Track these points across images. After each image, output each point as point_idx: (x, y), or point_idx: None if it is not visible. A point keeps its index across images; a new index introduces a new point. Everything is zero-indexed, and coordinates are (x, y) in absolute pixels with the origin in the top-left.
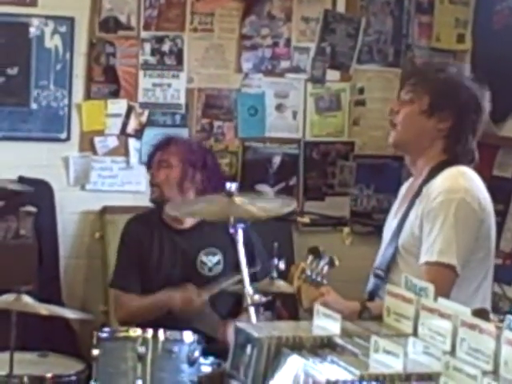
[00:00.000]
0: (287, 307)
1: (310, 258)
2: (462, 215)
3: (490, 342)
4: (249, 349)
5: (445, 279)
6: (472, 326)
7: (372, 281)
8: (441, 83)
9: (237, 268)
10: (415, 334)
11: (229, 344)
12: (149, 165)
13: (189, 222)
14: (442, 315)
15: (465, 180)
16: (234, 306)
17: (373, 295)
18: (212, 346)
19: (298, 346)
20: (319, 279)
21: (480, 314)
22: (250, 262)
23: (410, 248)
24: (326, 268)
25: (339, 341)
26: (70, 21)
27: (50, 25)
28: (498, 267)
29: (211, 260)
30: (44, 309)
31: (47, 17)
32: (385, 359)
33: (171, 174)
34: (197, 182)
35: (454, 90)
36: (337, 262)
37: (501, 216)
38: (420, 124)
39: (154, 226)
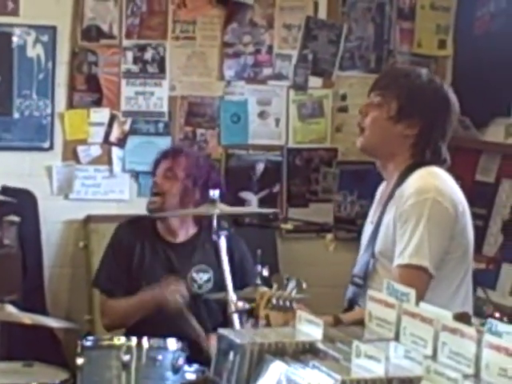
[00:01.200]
0: None
1: (274, 286)
2: (434, 215)
3: (471, 345)
4: (231, 355)
5: (417, 281)
6: (453, 331)
7: (350, 289)
8: (410, 89)
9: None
10: (397, 338)
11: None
12: (153, 172)
13: (182, 237)
14: (424, 320)
15: (435, 179)
16: (220, 317)
17: (352, 303)
18: (196, 353)
19: (280, 352)
20: (287, 304)
21: (461, 318)
22: (243, 276)
23: (387, 253)
24: (293, 292)
25: (321, 346)
26: (52, 30)
27: (32, 34)
28: (482, 272)
29: (202, 277)
30: (28, 318)
31: (29, 26)
32: (366, 364)
33: (175, 186)
34: (196, 198)
35: (423, 96)
36: (304, 285)
37: (484, 220)
38: (387, 129)
39: (146, 236)
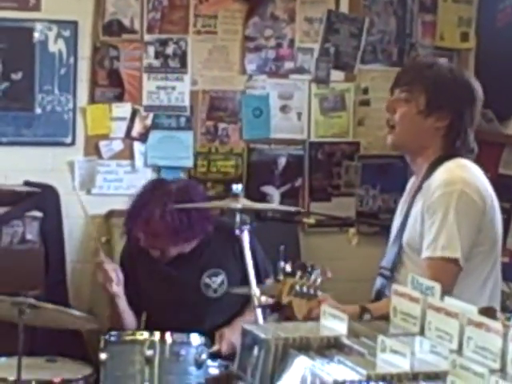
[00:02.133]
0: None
1: (298, 274)
2: (462, 207)
3: (497, 340)
4: (256, 350)
5: (449, 273)
6: (479, 325)
7: (378, 280)
8: (436, 81)
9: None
10: (422, 333)
11: (223, 353)
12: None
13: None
14: (449, 314)
15: (462, 171)
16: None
17: (380, 295)
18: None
19: (305, 347)
20: (312, 292)
21: (487, 312)
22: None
23: (414, 245)
24: (318, 280)
25: (346, 341)
26: (74, 25)
27: (54, 29)
28: (505, 265)
29: (215, 281)
30: (52, 321)
31: (50, 21)
32: (392, 359)
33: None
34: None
35: (449, 86)
36: (329, 274)
37: (507, 214)
38: (418, 124)
39: (149, 254)
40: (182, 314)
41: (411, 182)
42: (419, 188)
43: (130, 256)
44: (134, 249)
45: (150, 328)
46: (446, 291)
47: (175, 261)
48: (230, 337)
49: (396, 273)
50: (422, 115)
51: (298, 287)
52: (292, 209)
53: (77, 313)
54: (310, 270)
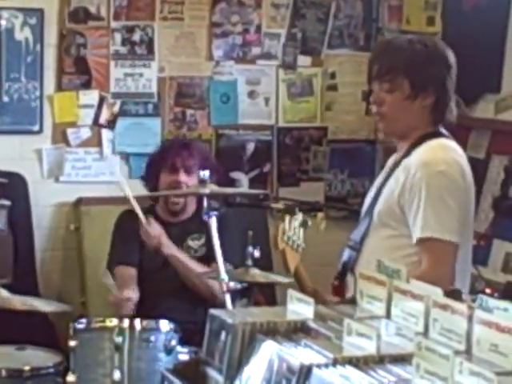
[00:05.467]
0: (264, 294)
1: (287, 218)
2: (445, 187)
3: (462, 322)
4: (223, 335)
5: (446, 255)
6: (444, 307)
7: (346, 252)
8: (413, 63)
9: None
10: (388, 316)
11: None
12: (159, 167)
13: (182, 216)
14: (415, 296)
15: (444, 152)
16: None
17: (346, 267)
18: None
19: (272, 332)
20: (299, 242)
21: (452, 294)
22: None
23: (385, 218)
24: (301, 230)
25: (313, 325)
26: (40, 12)
27: (20, 17)
28: (473, 248)
29: (197, 243)
30: (20, 303)
31: (16, 9)
32: (358, 342)
33: (193, 182)
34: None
35: (426, 64)
36: (309, 223)
37: (475, 197)
38: (408, 109)
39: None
40: (166, 273)
41: (392, 159)
42: (397, 164)
43: (130, 218)
44: (142, 209)
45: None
46: (449, 273)
47: (175, 225)
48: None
49: (362, 245)
50: (409, 99)
51: (289, 233)
52: (260, 192)
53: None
54: (295, 211)
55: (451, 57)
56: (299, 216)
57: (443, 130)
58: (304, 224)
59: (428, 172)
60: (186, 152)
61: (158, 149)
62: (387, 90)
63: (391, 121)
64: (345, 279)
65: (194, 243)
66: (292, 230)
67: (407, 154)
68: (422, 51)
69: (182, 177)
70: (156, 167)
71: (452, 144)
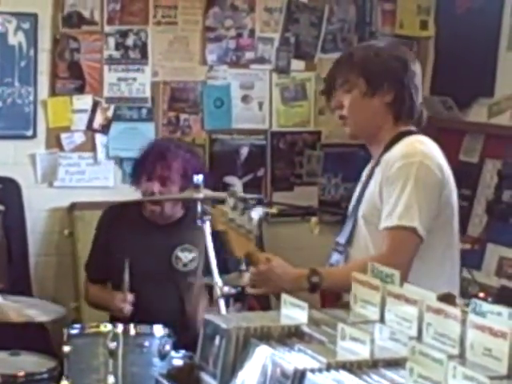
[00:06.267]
0: (259, 298)
1: (232, 201)
2: (421, 178)
3: (455, 326)
4: (217, 340)
5: (407, 243)
6: (438, 311)
7: (334, 256)
8: (364, 62)
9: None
10: (382, 320)
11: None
12: (140, 175)
13: (169, 219)
14: (408, 301)
15: (422, 145)
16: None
17: None
18: (183, 338)
19: (265, 336)
20: (248, 227)
21: (446, 298)
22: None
23: (370, 218)
24: (255, 219)
25: (306, 329)
26: (33, 17)
27: (13, 22)
28: (467, 252)
29: (187, 256)
30: (15, 313)
31: (10, 14)
32: (352, 346)
33: (173, 190)
34: None
35: (377, 62)
36: (257, 214)
37: (468, 201)
38: (367, 106)
39: (130, 219)
40: (151, 282)
41: (367, 168)
42: (377, 163)
43: (114, 217)
44: (121, 210)
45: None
46: (405, 263)
47: (161, 228)
48: None
49: (349, 247)
50: (367, 96)
51: (231, 216)
52: (254, 197)
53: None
54: (250, 204)
55: (414, 64)
56: (257, 211)
57: (417, 130)
58: (260, 217)
59: (405, 163)
60: (162, 162)
61: (141, 152)
62: (344, 91)
63: (354, 121)
64: None
65: (183, 255)
66: (237, 215)
67: (385, 152)
68: (376, 52)
69: (156, 187)
70: (137, 172)
71: (429, 141)
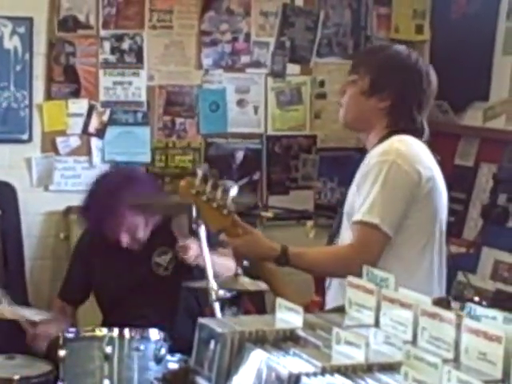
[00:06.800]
0: (254, 302)
1: (199, 174)
2: (390, 176)
3: (450, 330)
4: (212, 344)
5: (370, 238)
6: (432, 315)
7: None
8: (380, 64)
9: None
10: (377, 324)
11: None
12: (100, 229)
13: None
14: (403, 305)
15: (400, 144)
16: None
17: None
18: (178, 343)
19: (260, 340)
20: (221, 202)
21: (441, 302)
22: None
23: (351, 212)
24: (230, 194)
25: (301, 333)
26: (29, 21)
27: (9, 26)
28: (462, 256)
29: (165, 259)
30: (9, 312)
31: (5, 18)
32: (347, 350)
33: (135, 226)
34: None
35: (393, 70)
36: (234, 191)
37: (463, 205)
38: (361, 104)
39: (105, 239)
40: (138, 296)
41: None
42: (364, 159)
43: (88, 243)
44: (94, 237)
45: (107, 313)
46: (370, 258)
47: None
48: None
49: (333, 243)
50: (364, 95)
51: (196, 190)
52: (249, 200)
53: (35, 316)
54: (221, 183)
55: (428, 79)
56: (234, 189)
57: (410, 128)
58: (228, 190)
59: (379, 160)
60: (120, 219)
61: (94, 205)
62: (352, 80)
63: (346, 111)
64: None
65: (161, 259)
66: (208, 188)
67: (372, 148)
68: (394, 57)
69: (125, 239)
70: (95, 225)
71: (414, 140)
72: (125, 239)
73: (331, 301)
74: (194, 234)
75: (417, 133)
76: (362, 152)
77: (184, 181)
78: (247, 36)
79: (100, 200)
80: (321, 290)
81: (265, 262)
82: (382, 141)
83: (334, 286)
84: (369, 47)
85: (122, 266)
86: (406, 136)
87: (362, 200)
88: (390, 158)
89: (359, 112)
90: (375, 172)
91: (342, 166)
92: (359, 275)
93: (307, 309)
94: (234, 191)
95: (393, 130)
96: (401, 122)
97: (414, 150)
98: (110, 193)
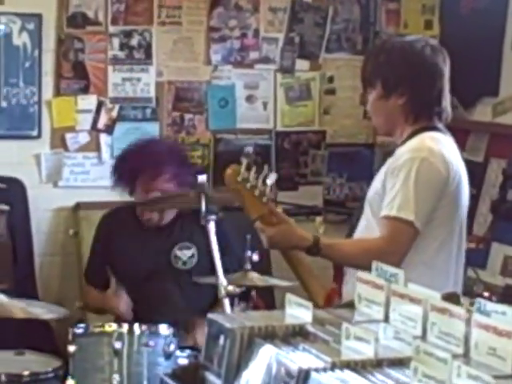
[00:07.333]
0: (263, 298)
1: (245, 161)
2: (423, 173)
3: (460, 325)
4: (222, 340)
5: (403, 233)
6: (442, 311)
7: None
8: (387, 64)
9: (211, 263)
10: (386, 319)
11: (198, 344)
12: (133, 186)
13: (164, 220)
14: (413, 300)
15: (431, 141)
16: (212, 299)
17: None
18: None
19: (270, 336)
20: (261, 189)
21: (450, 298)
22: (223, 256)
23: (374, 205)
24: (268, 182)
25: (311, 329)
26: (38, 17)
27: (18, 22)
28: (472, 251)
29: (185, 254)
30: (20, 311)
31: (14, 14)
32: (356, 345)
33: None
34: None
35: (399, 65)
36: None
37: (473, 200)
38: (383, 108)
39: (126, 224)
40: (153, 283)
41: None
42: (392, 154)
43: (111, 223)
44: (121, 214)
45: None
46: (401, 252)
47: (157, 230)
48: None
49: (351, 236)
50: (383, 99)
51: (245, 176)
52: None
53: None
54: (263, 171)
55: (431, 61)
56: (272, 177)
57: (440, 125)
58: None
59: (410, 156)
60: (159, 176)
61: (133, 160)
62: (368, 91)
63: (375, 120)
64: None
65: (182, 253)
66: (252, 175)
67: (401, 145)
68: (398, 53)
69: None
70: (129, 182)
71: (444, 138)
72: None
73: (347, 296)
74: (193, 228)
75: (444, 118)
76: (371, 147)
77: (230, 169)
78: (256, 32)
79: (141, 155)
80: (339, 277)
81: (294, 251)
82: (412, 137)
83: (351, 281)
84: (368, 52)
85: (142, 251)
86: (436, 133)
87: (393, 194)
88: (422, 155)
89: (385, 116)
90: (407, 168)
91: (351, 161)
92: None
93: (329, 297)
94: (272, 179)
95: (421, 127)
96: (420, 111)
97: (444, 148)
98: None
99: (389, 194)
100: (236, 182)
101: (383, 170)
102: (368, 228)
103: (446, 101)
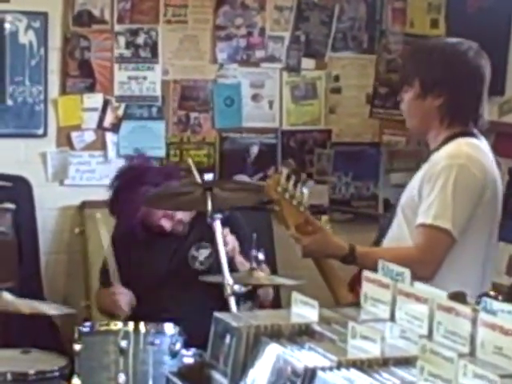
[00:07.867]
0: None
1: (284, 172)
2: (461, 180)
3: (466, 324)
4: (228, 338)
5: (439, 242)
6: (448, 310)
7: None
8: (426, 64)
9: (228, 262)
10: (392, 318)
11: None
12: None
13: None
14: (419, 299)
15: (468, 148)
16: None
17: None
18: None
19: (276, 334)
20: (299, 199)
21: (456, 297)
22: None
23: (407, 210)
24: (305, 194)
25: (317, 328)
26: (44, 16)
27: (24, 20)
28: None
29: (202, 253)
30: (26, 307)
31: (20, 12)
32: (362, 344)
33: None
34: None
35: (439, 65)
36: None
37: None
38: (419, 108)
39: (135, 235)
40: (171, 285)
41: None
42: (427, 159)
43: (124, 234)
44: (132, 224)
45: (142, 303)
46: (436, 261)
47: (168, 236)
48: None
49: (382, 240)
50: (420, 99)
51: (284, 185)
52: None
53: (52, 310)
54: (301, 179)
55: (474, 64)
56: (307, 187)
57: (475, 131)
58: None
59: (449, 163)
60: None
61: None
62: (405, 90)
63: (408, 118)
64: None
65: (198, 253)
66: (291, 185)
67: (437, 149)
68: (439, 53)
69: (165, 224)
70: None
71: (480, 144)
72: (167, 224)
73: None
74: (209, 227)
75: (479, 125)
76: (377, 146)
77: (271, 179)
78: (262, 30)
79: (128, 192)
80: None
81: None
82: (447, 142)
83: None
84: (409, 50)
85: (159, 256)
86: (472, 139)
87: (430, 202)
88: (460, 162)
89: (420, 116)
90: (445, 175)
91: (357, 160)
92: (423, 278)
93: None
94: (309, 188)
95: (457, 132)
96: (456, 114)
97: (481, 154)
98: (136, 182)
99: (425, 201)
100: (276, 193)
101: (419, 175)
102: (400, 234)
103: (484, 107)
